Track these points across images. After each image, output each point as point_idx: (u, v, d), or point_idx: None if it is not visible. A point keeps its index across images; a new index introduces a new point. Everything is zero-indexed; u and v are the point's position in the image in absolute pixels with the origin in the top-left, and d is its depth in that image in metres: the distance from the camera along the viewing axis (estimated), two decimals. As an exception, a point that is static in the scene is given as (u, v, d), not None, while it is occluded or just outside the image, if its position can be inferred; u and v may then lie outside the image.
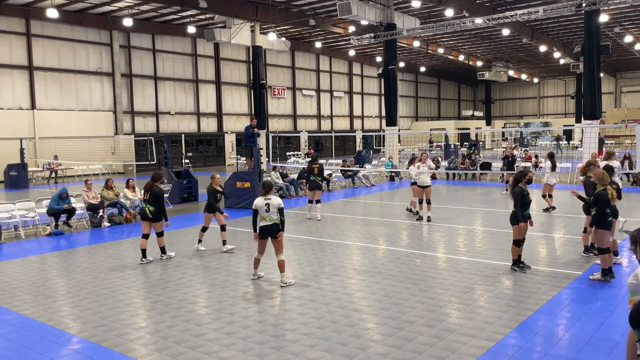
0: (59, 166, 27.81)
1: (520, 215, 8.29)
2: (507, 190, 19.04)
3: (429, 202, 13.57)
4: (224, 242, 10.61)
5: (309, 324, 6.41)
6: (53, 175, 27.94)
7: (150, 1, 27.83)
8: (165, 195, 11.34)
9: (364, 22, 29.90)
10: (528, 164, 19.08)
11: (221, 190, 10.85)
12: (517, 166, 19.04)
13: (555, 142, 44.16)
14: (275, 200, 8.02)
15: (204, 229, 10.64)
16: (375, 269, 8.92)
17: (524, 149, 29.12)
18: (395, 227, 12.98)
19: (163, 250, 10.00)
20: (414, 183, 13.82)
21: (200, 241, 10.70)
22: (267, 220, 8.02)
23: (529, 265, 8.61)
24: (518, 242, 8.40)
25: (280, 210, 7.98)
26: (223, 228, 10.61)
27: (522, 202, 8.31)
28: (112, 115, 33.23)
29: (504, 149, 23.32)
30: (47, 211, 13.13)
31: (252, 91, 35.40)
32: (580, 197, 8.16)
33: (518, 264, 8.50)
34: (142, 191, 10.46)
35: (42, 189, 24.40)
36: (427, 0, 28.36)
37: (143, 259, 9.72)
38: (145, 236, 9.71)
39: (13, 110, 28.85)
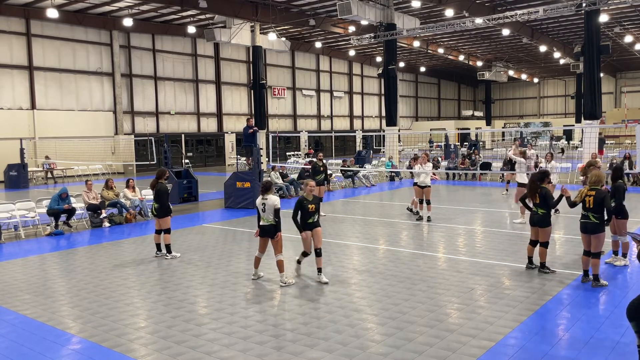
0: (51, 165, 27.71)
1: (550, 217, 8.33)
2: (507, 190, 19.06)
3: (428, 202, 13.59)
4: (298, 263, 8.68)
5: (309, 324, 6.41)
6: (50, 175, 27.88)
7: (150, 1, 27.82)
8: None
9: (364, 22, 29.89)
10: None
11: (310, 200, 8.16)
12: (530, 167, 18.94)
13: (555, 143, 44.03)
14: (271, 201, 7.98)
15: (304, 254, 8.45)
16: (375, 269, 8.92)
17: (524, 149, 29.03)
18: (395, 227, 12.98)
19: (168, 249, 10.10)
20: (416, 183, 13.86)
21: (299, 262, 8.65)
22: (265, 220, 8.03)
23: (535, 265, 8.60)
24: (547, 244, 8.37)
25: (276, 212, 7.95)
26: (304, 254, 8.46)
27: (551, 202, 8.29)
28: (112, 115, 33.24)
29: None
30: (47, 211, 13.13)
31: (252, 91, 35.39)
32: (567, 198, 8.18)
33: (546, 266, 8.42)
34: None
35: (42, 189, 24.41)
36: (427, 0, 28.36)
37: (158, 253, 10.26)
38: (158, 232, 10.19)
39: (13, 110, 28.85)
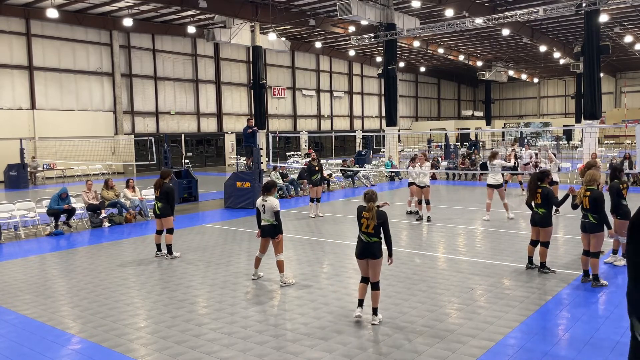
0: (36, 167, 27.39)
1: (551, 216, 8.31)
2: (504, 190, 19.06)
3: (427, 202, 13.60)
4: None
5: (309, 324, 6.41)
6: (31, 177, 27.44)
7: (150, 1, 27.83)
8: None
9: (364, 22, 29.89)
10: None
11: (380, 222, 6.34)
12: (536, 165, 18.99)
13: (555, 143, 44.06)
14: (270, 203, 7.96)
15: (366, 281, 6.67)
16: (375, 269, 8.91)
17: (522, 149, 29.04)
18: (395, 227, 12.96)
19: (169, 249, 10.10)
20: (412, 183, 13.87)
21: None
22: (265, 220, 8.04)
23: (535, 266, 8.60)
24: (548, 244, 8.37)
25: (276, 214, 7.95)
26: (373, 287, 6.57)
27: (554, 201, 8.28)
28: (112, 115, 33.23)
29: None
30: (47, 211, 13.13)
31: (252, 91, 35.39)
32: (573, 197, 8.17)
33: (546, 266, 8.42)
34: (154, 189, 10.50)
35: (42, 189, 24.40)
36: (427, 0, 28.36)
37: (158, 253, 10.26)
38: (159, 232, 10.20)
39: (13, 110, 28.85)
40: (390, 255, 6.42)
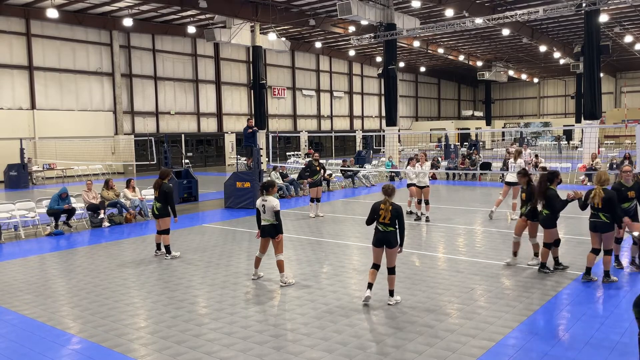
0: (31, 168, 27.25)
1: (555, 219, 8.31)
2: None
3: (427, 203, 13.59)
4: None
5: (309, 324, 6.41)
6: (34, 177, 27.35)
7: (150, 1, 27.82)
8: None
9: (364, 22, 29.90)
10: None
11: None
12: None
13: (556, 143, 44.06)
14: (270, 202, 7.97)
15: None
16: (375, 269, 8.91)
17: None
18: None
19: (168, 249, 10.12)
20: (412, 184, 13.84)
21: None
22: (265, 220, 8.04)
23: (567, 265, 8.60)
24: (550, 245, 8.37)
25: (276, 214, 7.96)
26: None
27: (556, 205, 8.28)
28: (112, 115, 33.23)
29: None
30: (47, 211, 13.13)
31: (252, 91, 35.41)
32: (578, 200, 8.19)
33: (546, 266, 8.41)
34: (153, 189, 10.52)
35: (42, 189, 24.40)
36: (427, 0, 28.36)
37: (157, 251, 10.35)
38: (159, 232, 10.25)
39: (13, 110, 28.84)
40: (401, 244, 7.14)
